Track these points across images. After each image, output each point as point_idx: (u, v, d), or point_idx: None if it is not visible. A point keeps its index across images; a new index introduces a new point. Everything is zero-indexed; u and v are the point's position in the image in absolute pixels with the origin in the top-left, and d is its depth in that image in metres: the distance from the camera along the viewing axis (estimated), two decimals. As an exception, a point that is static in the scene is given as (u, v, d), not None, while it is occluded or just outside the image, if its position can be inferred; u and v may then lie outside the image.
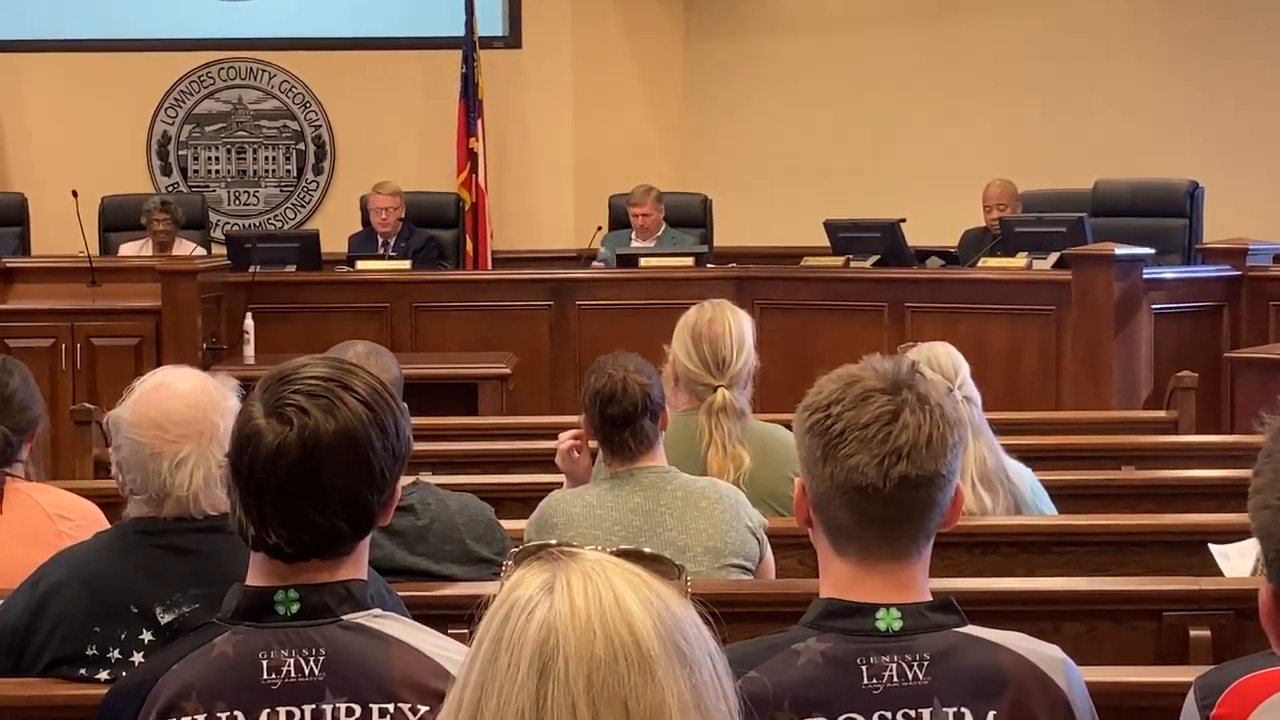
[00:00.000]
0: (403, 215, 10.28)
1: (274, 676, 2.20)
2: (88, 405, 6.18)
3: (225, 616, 2.27)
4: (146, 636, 2.83)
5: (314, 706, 2.21)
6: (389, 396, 2.31)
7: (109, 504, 3.56)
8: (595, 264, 10.11)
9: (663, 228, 10.24)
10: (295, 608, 2.24)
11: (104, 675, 2.82)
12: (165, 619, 2.83)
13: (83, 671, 2.83)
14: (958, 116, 11.12)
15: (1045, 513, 4.46)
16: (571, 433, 4.22)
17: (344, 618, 2.25)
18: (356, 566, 2.30)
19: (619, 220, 10.57)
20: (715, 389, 4.37)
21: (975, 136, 10.96)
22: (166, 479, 2.90)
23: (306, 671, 2.21)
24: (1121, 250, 7.82)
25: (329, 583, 2.26)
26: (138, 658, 2.82)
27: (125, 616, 2.83)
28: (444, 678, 2.19)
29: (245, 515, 2.24)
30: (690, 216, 10.52)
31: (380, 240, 10.20)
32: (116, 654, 2.83)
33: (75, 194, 8.91)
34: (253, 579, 2.27)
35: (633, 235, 10.20)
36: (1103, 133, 10.53)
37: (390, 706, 2.22)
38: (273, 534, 2.22)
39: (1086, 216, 8.56)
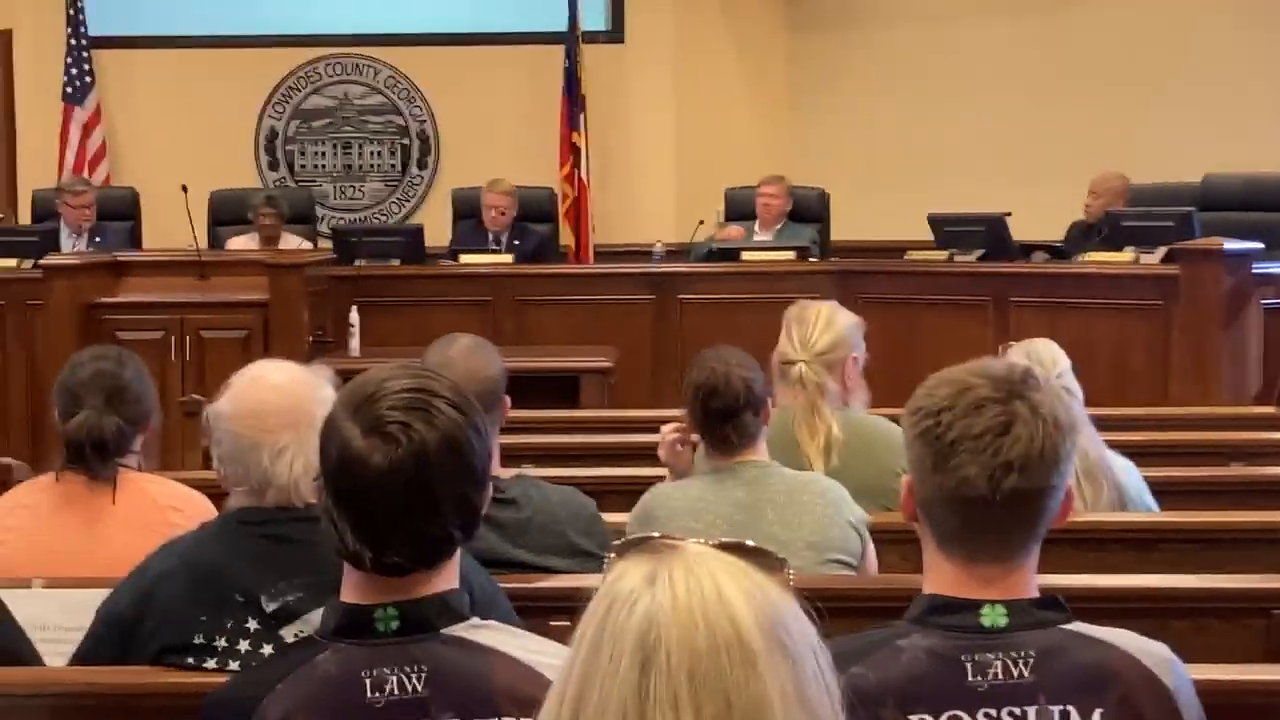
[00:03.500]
0: (515, 214, 10.29)
1: (377, 695, 2.18)
2: (197, 397, 6.26)
3: (325, 633, 2.25)
4: (252, 625, 2.85)
5: None
6: (468, 396, 2.29)
7: (217, 495, 3.60)
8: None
9: (784, 221, 10.21)
10: (395, 624, 2.21)
11: (211, 663, 2.85)
12: (270, 607, 2.85)
13: (189, 660, 2.86)
14: (1064, 108, 11.02)
15: (1150, 508, 4.42)
16: (674, 426, 4.22)
17: (443, 631, 2.23)
18: (450, 575, 2.28)
19: (736, 214, 10.55)
20: (796, 364, 4.39)
21: (1082, 129, 10.85)
22: (267, 469, 2.93)
23: (409, 689, 2.18)
24: (1230, 245, 7.73)
25: (426, 596, 2.24)
26: (244, 645, 2.85)
27: (231, 605, 2.86)
28: (546, 687, 2.18)
29: (359, 539, 2.20)
30: (807, 210, 10.47)
31: (491, 237, 10.23)
32: (223, 642, 2.86)
33: (185, 189, 9.01)
34: (348, 595, 2.25)
35: (755, 226, 10.18)
36: (1212, 126, 10.40)
37: None
38: (391, 554, 2.19)
39: (1194, 210, 8.47)
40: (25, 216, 11.06)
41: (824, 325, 4.48)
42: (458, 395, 2.26)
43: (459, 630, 2.24)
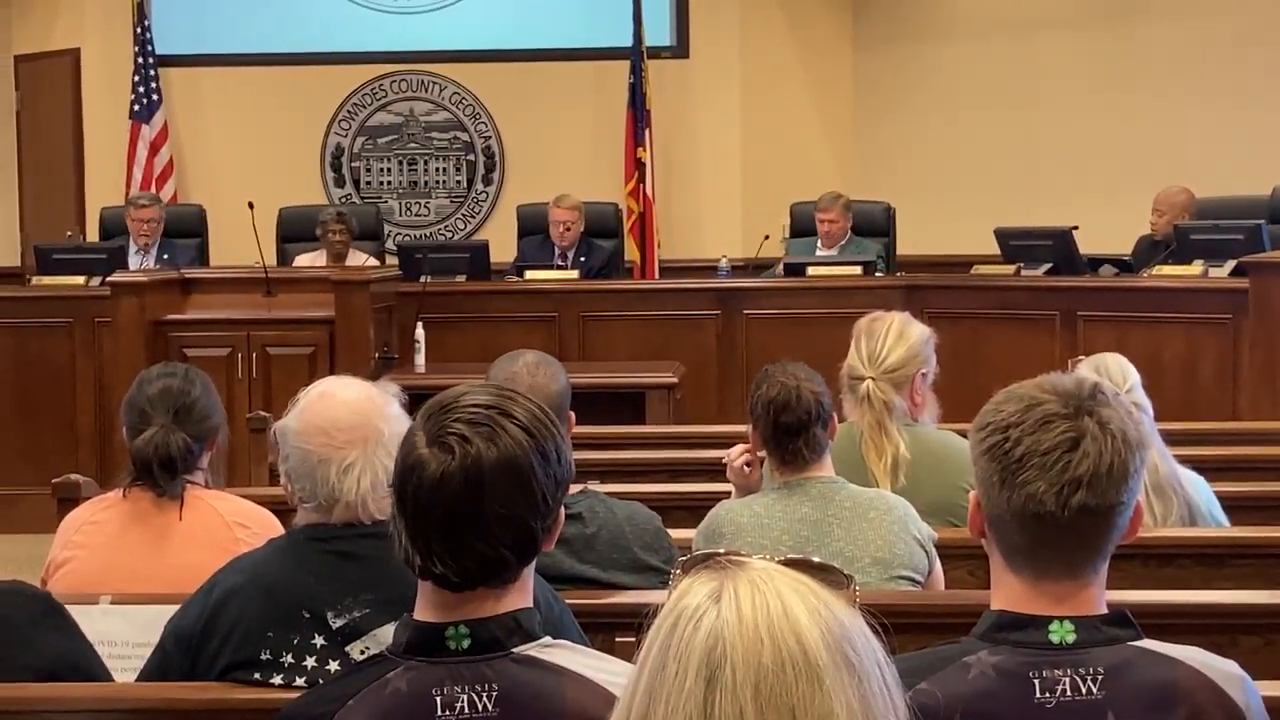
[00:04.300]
0: (582, 229, 10.31)
1: (448, 713, 2.18)
2: (263, 413, 6.29)
3: (397, 650, 2.25)
4: (319, 641, 2.87)
5: None
6: (550, 422, 2.28)
7: (284, 511, 3.62)
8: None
9: (848, 236, 10.18)
10: (466, 643, 2.21)
11: (278, 679, 2.86)
12: (337, 624, 2.86)
13: (257, 676, 2.88)
14: (1132, 121, 10.95)
15: (1220, 524, 4.38)
16: (742, 446, 4.20)
17: (514, 650, 2.22)
18: (523, 594, 2.27)
19: (802, 228, 10.53)
20: (864, 380, 4.36)
21: (1150, 141, 10.79)
22: (335, 485, 2.94)
23: (480, 707, 2.18)
24: (1301, 257, 7.67)
25: (497, 615, 2.23)
26: (310, 662, 2.86)
27: (298, 621, 2.88)
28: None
29: (411, 545, 2.22)
30: (872, 225, 10.45)
31: (558, 253, 10.25)
32: (290, 658, 2.87)
33: (251, 205, 9.06)
34: (421, 613, 2.25)
35: (817, 242, 10.15)
36: (1282, 138, 10.32)
37: None
38: (439, 564, 2.20)
39: (1264, 223, 8.40)
40: (94, 234, 11.15)
41: (893, 341, 4.44)
42: (534, 420, 2.25)
43: (530, 649, 2.23)
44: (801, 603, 1.55)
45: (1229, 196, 9.35)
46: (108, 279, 8.71)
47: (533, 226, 10.58)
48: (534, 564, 2.30)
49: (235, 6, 12.06)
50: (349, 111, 12.19)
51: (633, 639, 1.63)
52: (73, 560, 3.74)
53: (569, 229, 10.20)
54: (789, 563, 1.63)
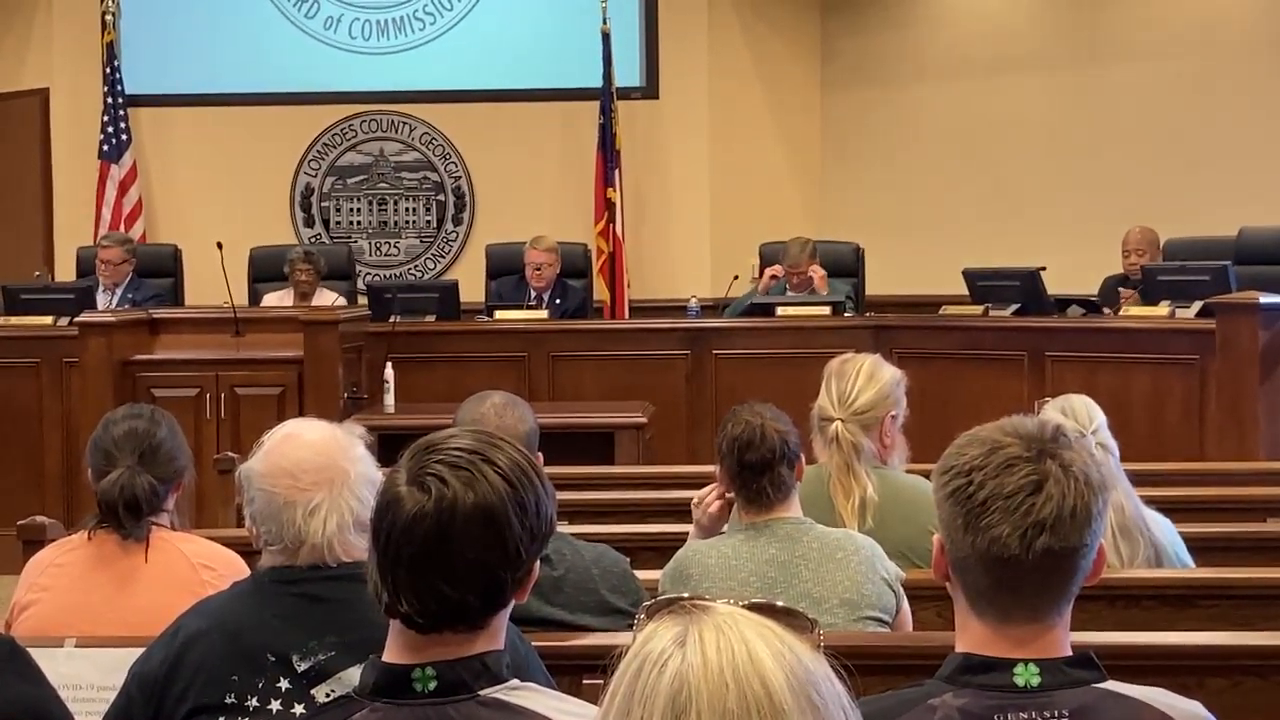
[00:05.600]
0: (558, 270, 10.31)
1: None
2: (231, 454, 6.26)
3: (363, 692, 2.24)
4: (284, 684, 2.85)
5: None
6: (534, 474, 2.28)
7: (250, 553, 3.60)
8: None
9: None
10: (433, 685, 2.20)
11: (242, 723, 2.85)
12: (302, 667, 2.85)
13: None
14: (1099, 162, 11.01)
15: (1186, 565, 4.39)
16: (718, 491, 4.16)
17: (481, 693, 2.21)
18: (493, 638, 2.27)
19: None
20: (833, 422, 4.37)
21: (1116, 183, 10.85)
22: (301, 527, 2.94)
23: None
24: (1266, 299, 7.69)
25: (465, 657, 2.23)
26: (275, 705, 2.85)
27: (263, 665, 2.86)
28: None
29: (380, 580, 2.22)
30: (842, 266, 10.46)
31: (533, 294, 10.25)
32: (254, 702, 2.86)
33: (220, 245, 9.04)
34: (389, 655, 2.25)
35: (787, 287, 10.16)
36: (1247, 179, 10.37)
37: None
38: (404, 602, 2.20)
39: (1230, 264, 8.44)
40: (66, 274, 11.13)
41: (864, 382, 4.44)
42: (517, 470, 2.25)
43: (497, 692, 2.23)
44: (766, 647, 1.55)
45: (1195, 237, 9.40)
46: (75, 319, 8.69)
47: (502, 266, 10.59)
48: (507, 612, 2.29)
49: (205, 46, 12.06)
50: (319, 151, 12.19)
51: (599, 681, 1.63)
52: (37, 603, 3.72)
53: (542, 270, 10.21)
54: (753, 606, 1.64)
